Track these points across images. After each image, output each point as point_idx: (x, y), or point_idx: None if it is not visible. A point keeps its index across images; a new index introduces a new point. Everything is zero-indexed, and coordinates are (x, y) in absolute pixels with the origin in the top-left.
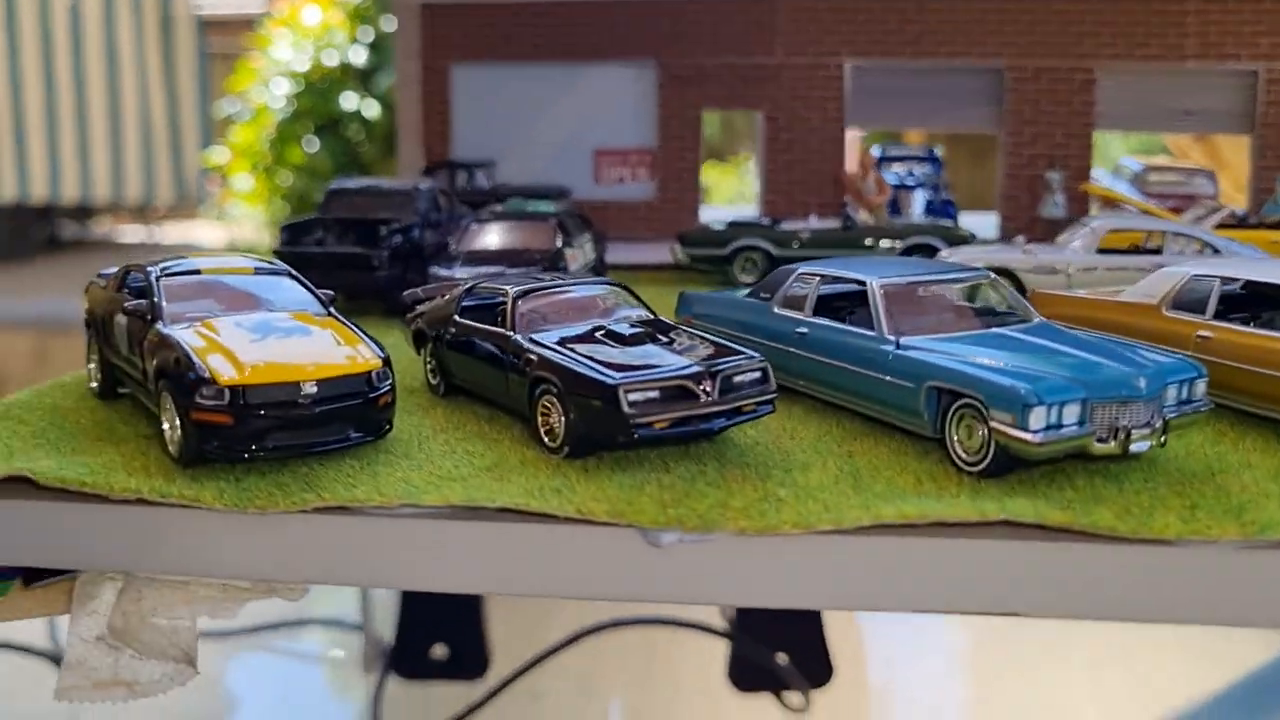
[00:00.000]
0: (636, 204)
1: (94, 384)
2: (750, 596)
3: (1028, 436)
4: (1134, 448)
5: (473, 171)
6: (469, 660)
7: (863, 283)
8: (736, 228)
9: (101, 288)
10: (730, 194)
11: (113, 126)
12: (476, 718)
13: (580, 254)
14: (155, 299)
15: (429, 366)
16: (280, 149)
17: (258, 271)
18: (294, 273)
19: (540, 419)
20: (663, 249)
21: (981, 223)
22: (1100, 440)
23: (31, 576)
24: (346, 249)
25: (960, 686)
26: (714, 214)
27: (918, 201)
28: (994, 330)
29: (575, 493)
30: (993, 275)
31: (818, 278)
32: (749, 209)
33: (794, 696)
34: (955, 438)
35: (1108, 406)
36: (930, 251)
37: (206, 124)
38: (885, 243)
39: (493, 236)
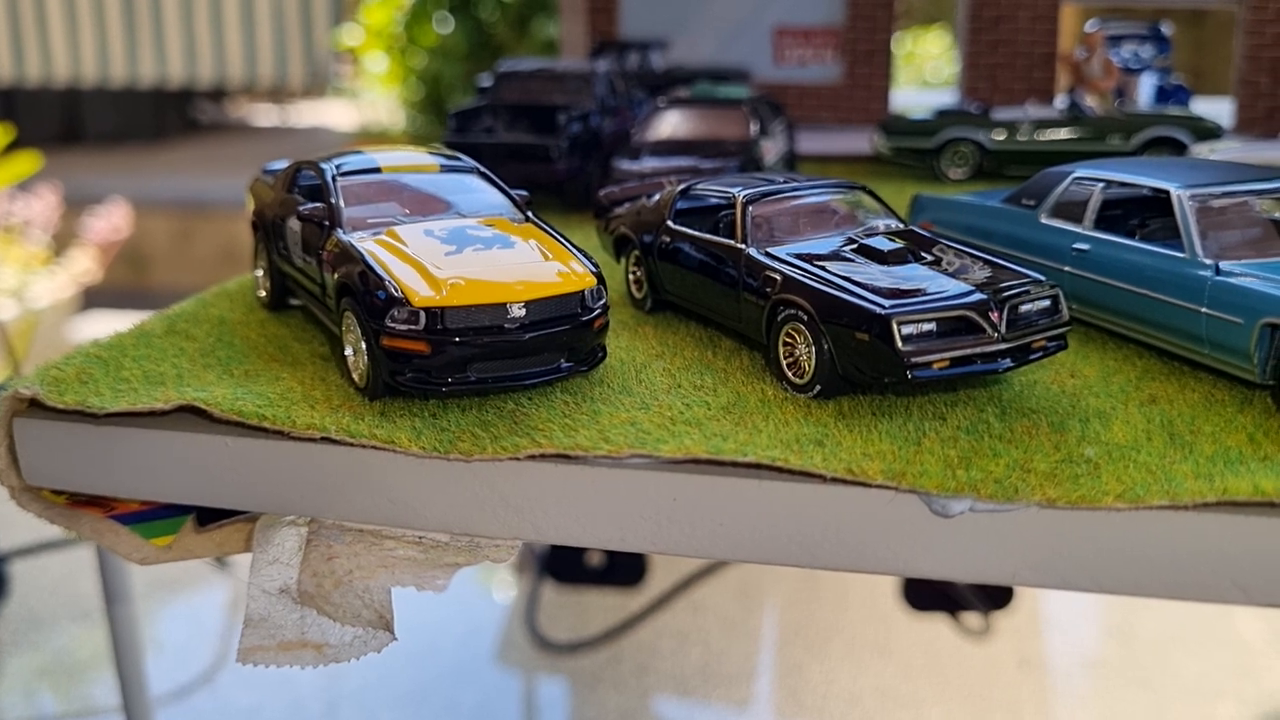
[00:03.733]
0: (819, 87)
1: (262, 293)
2: (1056, 579)
3: None
4: None
5: (646, 51)
6: (625, 569)
7: (1161, 191)
8: (946, 116)
9: (268, 185)
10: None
11: (245, 6)
12: (637, 628)
13: (775, 145)
14: (333, 201)
15: (633, 278)
16: (413, 29)
17: (444, 169)
18: (484, 170)
19: (783, 349)
20: (849, 137)
21: (1208, 112)
22: None
23: (205, 515)
24: (520, 138)
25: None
26: (908, 99)
27: (1145, 87)
28: None
29: (840, 445)
30: None
31: (1101, 183)
32: (942, 93)
33: (972, 619)
34: None
35: None
36: (1175, 146)
37: (336, 3)
38: (1121, 134)
39: (680, 125)
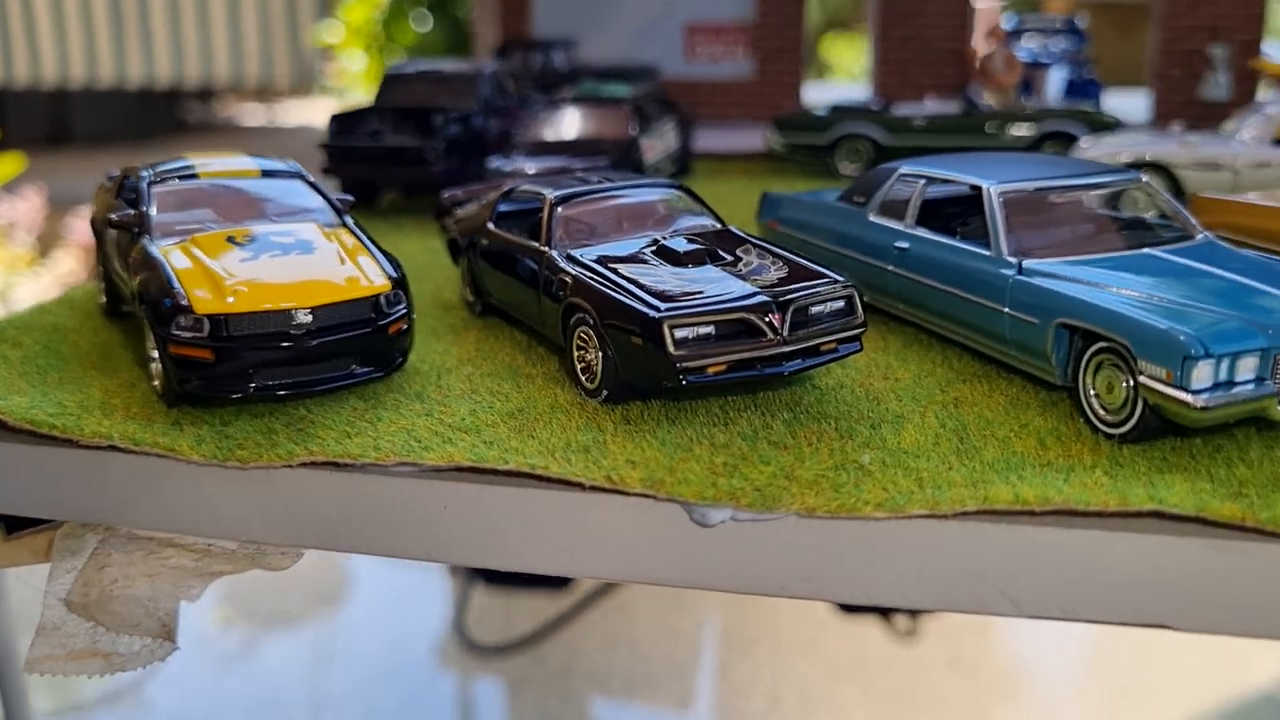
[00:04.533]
0: (731, 84)
1: (102, 299)
2: (819, 589)
3: (1188, 398)
4: None
5: (548, 51)
6: None
7: (977, 188)
8: (840, 112)
9: (107, 190)
10: (853, 70)
11: (231, 5)
12: (563, 630)
13: (659, 143)
14: (144, 208)
15: (466, 281)
16: (391, 27)
17: (265, 174)
18: (306, 174)
19: (576, 354)
20: (756, 134)
21: (1130, 104)
22: None
23: (15, 524)
24: (397, 141)
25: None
26: (819, 95)
27: (1054, 80)
28: (1145, 251)
29: (607, 452)
30: (1143, 179)
31: (923, 179)
32: (860, 90)
33: (901, 620)
34: (1091, 390)
35: None
36: (1069, 141)
37: (321, 0)
38: (1014, 130)
39: (560, 125)
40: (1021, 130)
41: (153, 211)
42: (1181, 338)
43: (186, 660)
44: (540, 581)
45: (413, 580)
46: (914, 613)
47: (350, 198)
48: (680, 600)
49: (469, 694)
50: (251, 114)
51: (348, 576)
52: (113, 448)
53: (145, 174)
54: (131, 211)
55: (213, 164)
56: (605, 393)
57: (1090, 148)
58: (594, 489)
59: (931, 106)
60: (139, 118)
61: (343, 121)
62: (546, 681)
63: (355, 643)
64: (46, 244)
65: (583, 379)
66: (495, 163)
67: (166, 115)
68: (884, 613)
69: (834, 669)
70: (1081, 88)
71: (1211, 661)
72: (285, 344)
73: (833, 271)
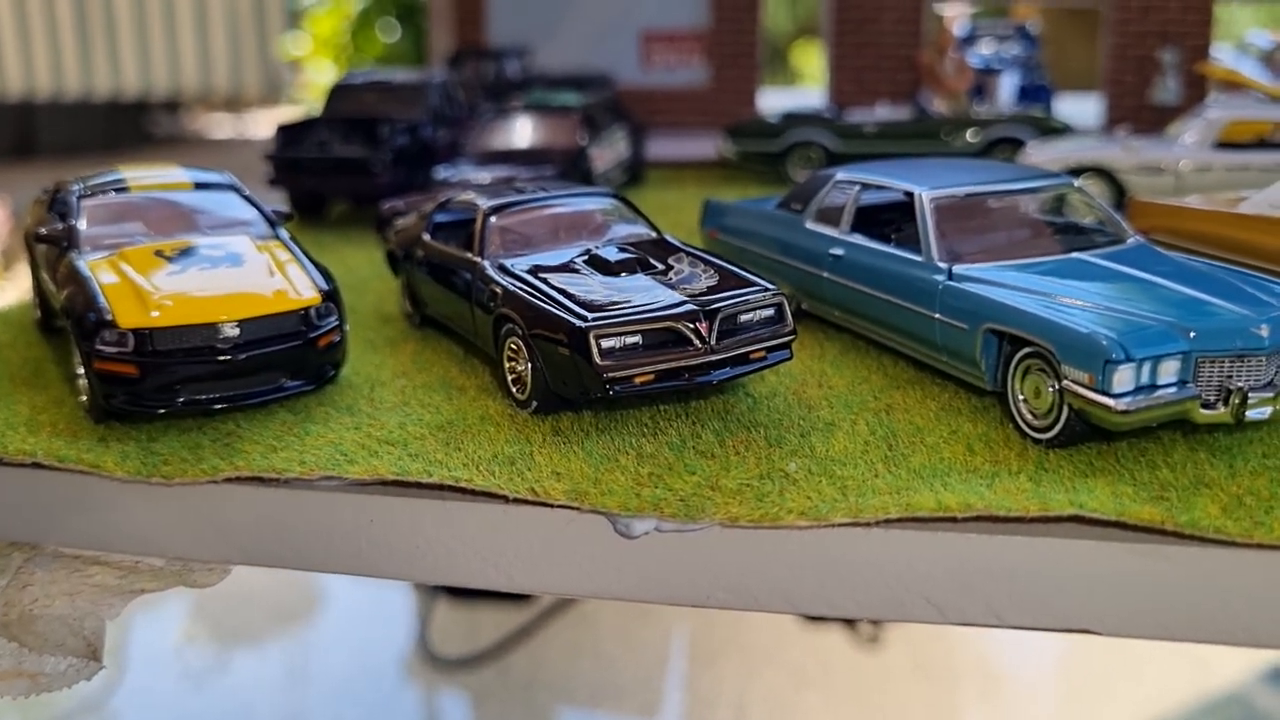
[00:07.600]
0: (688, 91)
1: (37, 314)
2: (744, 599)
3: (1109, 401)
4: (1251, 415)
5: (501, 60)
6: None
7: (909, 194)
8: (792, 119)
9: (42, 203)
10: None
11: (199, 14)
12: (526, 641)
13: (609, 152)
14: (73, 223)
15: (404, 293)
16: (359, 38)
17: (198, 186)
18: (240, 186)
19: (507, 364)
20: (715, 142)
21: (1086, 109)
22: (1207, 405)
23: None
24: (344, 152)
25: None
26: (778, 102)
27: (1006, 86)
28: (1075, 256)
29: (533, 464)
30: (1076, 183)
31: (858, 186)
32: (817, 97)
33: (865, 627)
34: (1019, 395)
35: (1218, 362)
36: (1018, 146)
37: (288, 11)
38: (964, 135)
39: (508, 134)
40: (971, 136)
41: (82, 225)
42: (1103, 341)
43: (156, 676)
44: (503, 594)
45: (377, 594)
46: (878, 619)
47: (286, 210)
48: (644, 609)
49: (434, 707)
50: (219, 125)
51: (314, 592)
52: (37, 465)
53: (76, 187)
54: (60, 225)
55: (144, 176)
56: (535, 404)
57: (1036, 152)
58: (517, 501)
59: (883, 113)
60: (106, 129)
61: (289, 133)
62: (511, 693)
63: (320, 657)
64: (12, 258)
65: (514, 390)
66: (441, 172)
67: (133, 127)
68: (848, 620)
69: (799, 677)
70: (1033, 93)
71: (1179, 662)
72: (212, 358)
73: (763, 279)
